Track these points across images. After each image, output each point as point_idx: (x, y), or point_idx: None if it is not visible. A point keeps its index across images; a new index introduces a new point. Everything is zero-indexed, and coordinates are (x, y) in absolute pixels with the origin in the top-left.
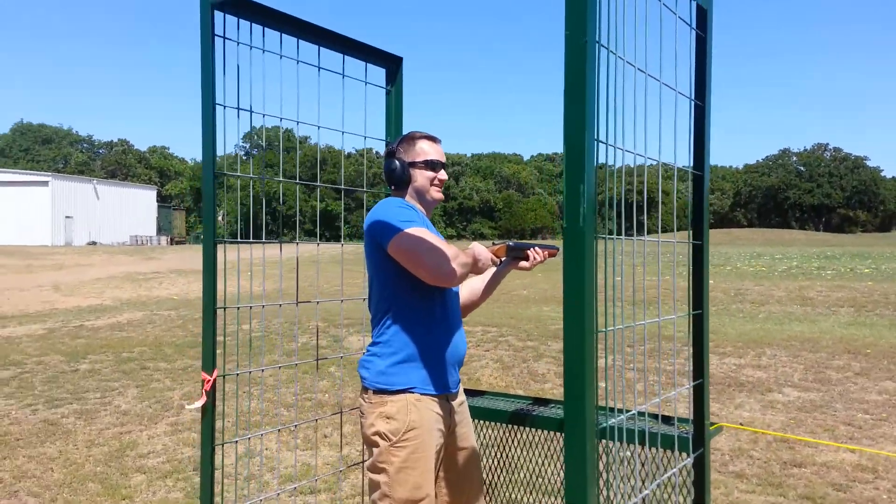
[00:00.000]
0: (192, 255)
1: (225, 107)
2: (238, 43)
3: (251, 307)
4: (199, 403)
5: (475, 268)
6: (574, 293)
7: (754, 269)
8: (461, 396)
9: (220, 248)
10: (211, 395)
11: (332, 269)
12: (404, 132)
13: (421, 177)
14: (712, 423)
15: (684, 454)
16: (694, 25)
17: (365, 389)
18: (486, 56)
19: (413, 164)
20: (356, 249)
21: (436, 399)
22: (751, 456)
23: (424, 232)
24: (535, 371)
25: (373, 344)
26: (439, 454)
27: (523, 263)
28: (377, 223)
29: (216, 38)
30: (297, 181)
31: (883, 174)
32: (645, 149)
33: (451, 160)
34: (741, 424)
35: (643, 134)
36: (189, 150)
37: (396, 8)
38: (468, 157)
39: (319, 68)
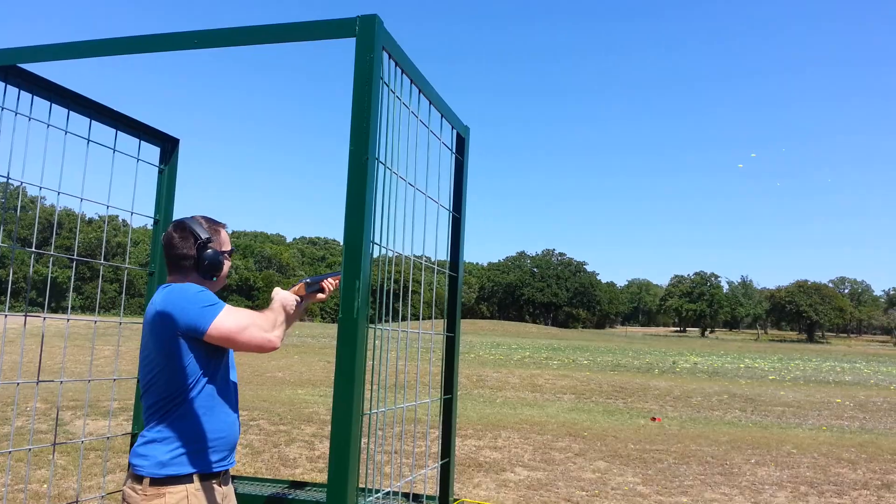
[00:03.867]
0: None
1: None
2: (2, 108)
3: None
4: None
5: (290, 316)
6: (345, 378)
7: (494, 358)
8: (230, 484)
9: None
10: None
11: (57, 342)
12: (174, 211)
13: (227, 266)
14: (455, 499)
15: None
16: (454, 150)
17: (138, 478)
18: (257, 135)
19: (222, 254)
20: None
21: (216, 482)
22: None
23: (237, 310)
24: (286, 456)
25: (151, 430)
26: None
27: (320, 296)
28: (183, 312)
29: None
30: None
31: (599, 278)
32: (411, 249)
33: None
34: (479, 502)
35: (411, 237)
36: None
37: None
38: (230, 234)
39: (88, 140)
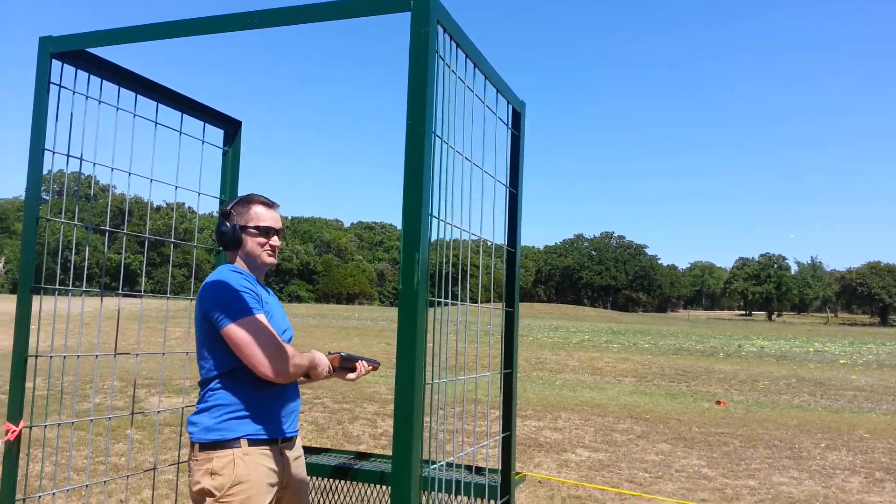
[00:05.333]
0: None
1: (54, 153)
2: (74, 92)
3: (65, 356)
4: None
5: (314, 372)
6: (407, 350)
7: (552, 341)
8: (298, 450)
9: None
10: (15, 445)
11: (130, 324)
12: (239, 192)
13: (252, 242)
14: (517, 473)
15: (493, 501)
16: (510, 125)
17: (192, 446)
18: (312, 121)
19: (245, 228)
20: (157, 309)
21: (267, 449)
22: None
23: (258, 325)
24: (350, 433)
25: (201, 401)
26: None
27: (350, 375)
28: (212, 304)
29: (52, 85)
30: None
31: (660, 261)
32: (469, 225)
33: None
34: (539, 481)
35: (468, 213)
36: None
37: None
38: (288, 220)
39: (156, 123)
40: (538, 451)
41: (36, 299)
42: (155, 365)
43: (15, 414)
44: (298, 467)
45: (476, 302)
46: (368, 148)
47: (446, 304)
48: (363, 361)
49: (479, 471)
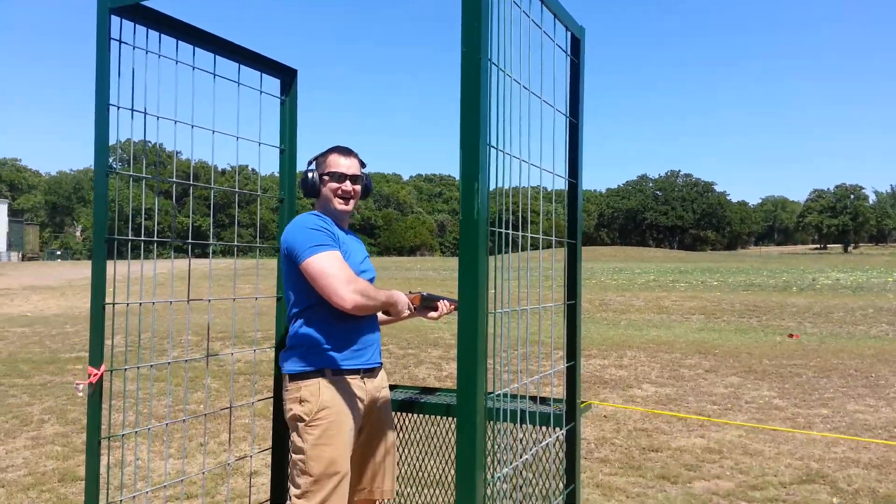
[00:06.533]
0: (47, 272)
1: (119, 107)
2: (134, 47)
3: (140, 303)
4: (82, 385)
5: (393, 310)
6: (469, 278)
7: (616, 283)
8: (382, 381)
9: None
10: (98, 388)
11: (201, 283)
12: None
13: (326, 188)
14: (582, 402)
15: (558, 429)
16: (569, 52)
17: (283, 378)
18: (365, 77)
19: (321, 176)
20: (226, 268)
21: (350, 378)
22: (613, 444)
23: (332, 258)
24: (415, 375)
25: (290, 337)
26: (357, 433)
27: (432, 314)
28: (291, 243)
29: (112, 41)
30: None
31: (729, 198)
32: (529, 155)
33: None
34: (605, 416)
35: (527, 143)
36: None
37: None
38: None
39: (215, 75)
40: (603, 388)
41: (110, 262)
42: (227, 319)
43: (96, 358)
44: (383, 398)
45: (538, 235)
46: (425, 102)
47: (507, 233)
48: (445, 301)
49: (544, 401)
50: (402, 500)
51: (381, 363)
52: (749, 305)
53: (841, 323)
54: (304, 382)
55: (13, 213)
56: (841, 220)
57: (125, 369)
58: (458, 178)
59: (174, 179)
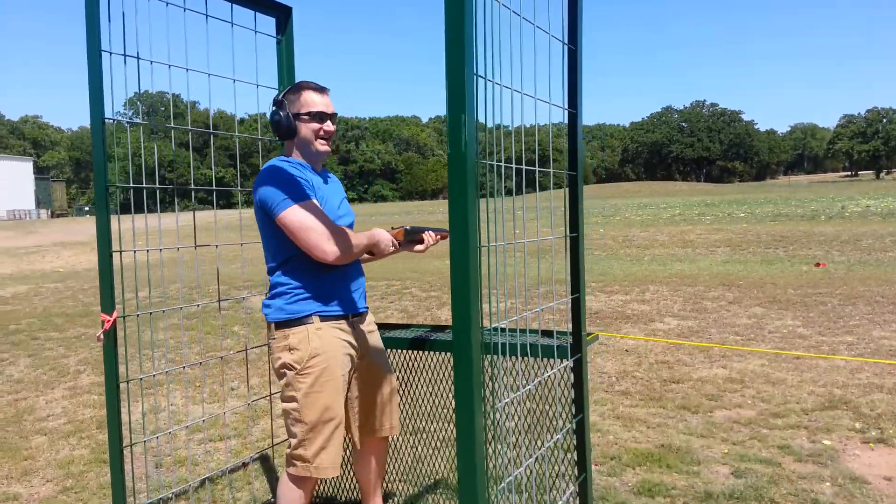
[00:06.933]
0: (76, 228)
1: (111, 53)
2: None
3: (148, 250)
4: (100, 334)
5: (377, 249)
6: (458, 212)
7: (641, 218)
8: (370, 325)
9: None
10: (112, 335)
11: (226, 236)
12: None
13: (306, 129)
14: (589, 333)
15: (564, 360)
16: None
17: (269, 327)
18: (381, 20)
19: (298, 116)
20: (250, 218)
21: (340, 323)
22: (634, 377)
23: (309, 210)
24: (438, 317)
25: (271, 288)
26: (349, 377)
27: (418, 247)
28: (263, 195)
29: None
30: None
31: (757, 127)
32: (521, 85)
33: (350, 124)
34: (626, 350)
35: (519, 72)
36: (65, 118)
37: None
38: (367, 121)
39: (207, 16)
40: (625, 323)
41: (125, 216)
42: (253, 269)
43: (108, 306)
44: (374, 340)
45: (533, 168)
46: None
47: (498, 164)
48: (430, 232)
49: (548, 334)
50: (421, 436)
51: (367, 308)
52: (776, 236)
53: (869, 250)
54: (291, 330)
55: (39, 171)
56: (872, 146)
57: (137, 315)
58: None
59: (171, 125)
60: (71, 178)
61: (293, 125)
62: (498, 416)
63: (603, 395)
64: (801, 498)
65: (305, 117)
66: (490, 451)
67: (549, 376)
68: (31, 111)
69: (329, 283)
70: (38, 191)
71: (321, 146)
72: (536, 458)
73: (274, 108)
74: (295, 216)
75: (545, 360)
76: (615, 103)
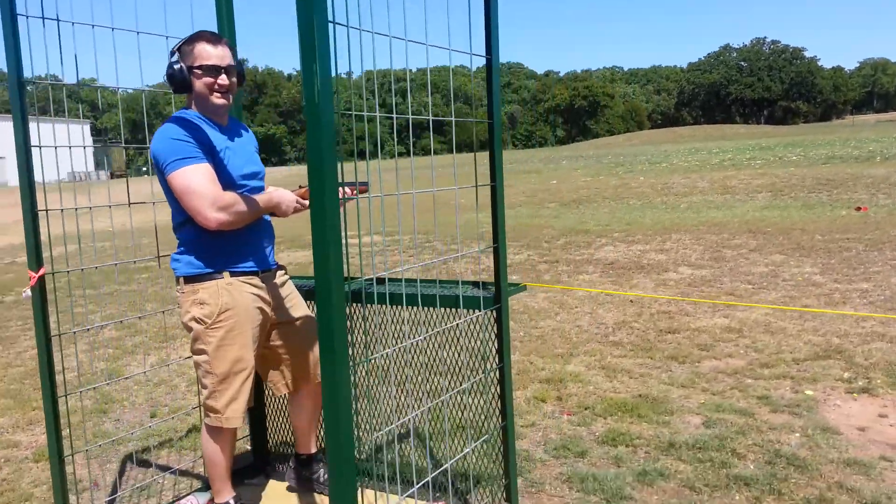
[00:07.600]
0: (133, 188)
1: (28, 17)
2: None
3: (76, 209)
4: (27, 292)
5: (279, 211)
6: (315, 165)
7: (687, 164)
8: (283, 278)
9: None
10: (39, 290)
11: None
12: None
13: (199, 83)
14: (517, 284)
15: (477, 311)
16: None
17: (178, 281)
18: None
19: (191, 70)
20: (300, 171)
21: (251, 278)
22: (632, 327)
23: (196, 172)
24: (453, 270)
25: (182, 242)
26: (262, 329)
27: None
28: (155, 154)
29: None
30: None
31: (820, 64)
32: (428, 36)
33: (396, 76)
34: (631, 300)
35: (402, 16)
36: (119, 80)
37: None
38: (413, 72)
39: None
40: (637, 273)
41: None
42: (286, 222)
43: (33, 262)
44: (287, 292)
45: (428, 116)
46: None
47: (358, 115)
48: (344, 187)
49: (476, 285)
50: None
51: (277, 263)
52: (821, 179)
53: None
54: (201, 285)
55: (97, 133)
56: None
57: (68, 272)
58: (527, 66)
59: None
60: (129, 139)
61: (188, 79)
62: (373, 366)
63: (595, 346)
64: (765, 448)
65: (198, 71)
66: (361, 404)
67: (452, 327)
68: (87, 74)
69: (237, 239)
70: (96, 153)
71: (217, 100)
72: (429, 409)
73: (169, 61)
74: (180, 178)
75: (469, 311)
76: (671, 44)
